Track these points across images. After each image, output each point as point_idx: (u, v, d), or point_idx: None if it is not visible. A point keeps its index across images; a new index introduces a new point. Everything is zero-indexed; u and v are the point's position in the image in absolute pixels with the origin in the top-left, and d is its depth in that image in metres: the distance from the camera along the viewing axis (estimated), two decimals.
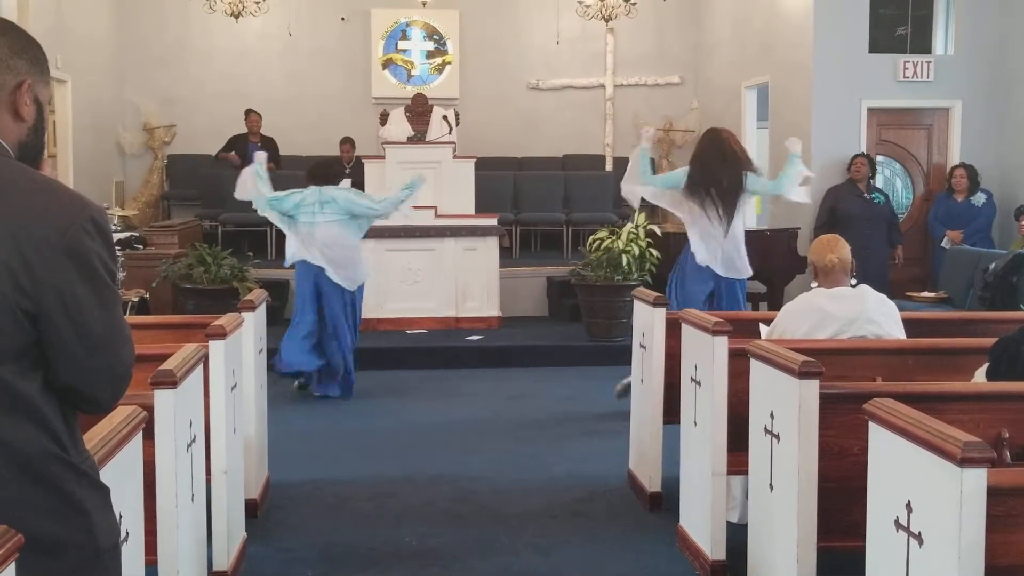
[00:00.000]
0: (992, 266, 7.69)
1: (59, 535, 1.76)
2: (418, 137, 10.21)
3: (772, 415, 3.51)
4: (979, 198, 9.43)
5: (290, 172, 11.91)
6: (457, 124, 10.64)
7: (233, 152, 11.31)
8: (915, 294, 8.63)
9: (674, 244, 9.04)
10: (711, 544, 4.06)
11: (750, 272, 6.47)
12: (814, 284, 4.35)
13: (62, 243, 1.73)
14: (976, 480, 2.29)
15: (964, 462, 2.28)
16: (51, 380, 1.78)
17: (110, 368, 1.82)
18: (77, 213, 1.76)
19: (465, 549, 4.44)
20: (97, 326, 1.78)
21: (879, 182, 9.92)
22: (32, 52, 1.88)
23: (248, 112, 11.71)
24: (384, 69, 13.27)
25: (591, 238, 8.92)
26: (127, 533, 2.46)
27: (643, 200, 6.63)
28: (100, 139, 12.07)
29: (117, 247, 8.12)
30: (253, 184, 7.19)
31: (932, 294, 8.57)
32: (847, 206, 9.27)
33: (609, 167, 13.16)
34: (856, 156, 9.51)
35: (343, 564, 4.26)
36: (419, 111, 10.57)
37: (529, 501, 5.05)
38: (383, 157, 9.77)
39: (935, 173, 10.10)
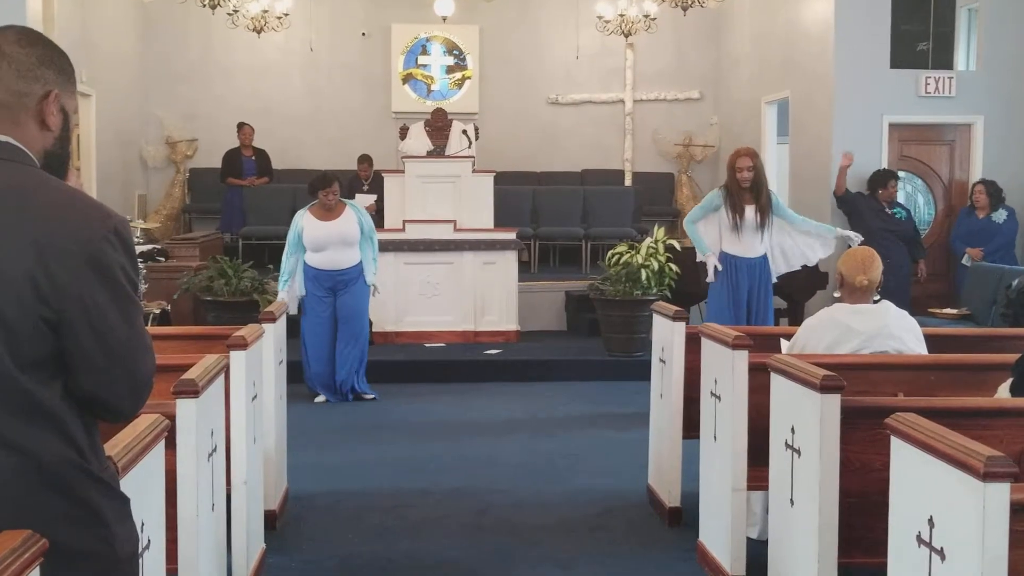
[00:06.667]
0: (1015, 283, 7.63)
1: (77, 544, 1.76)
2: (437, 151, 10.24)
3: (793, 430, 3.49)
4: (1000, 215, 9.33)
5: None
6: (476, 138, 10.67)
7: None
8: (937, 310, 8.56)
9: (692, 259, 9.02)
10: (731, 560, 4.04)
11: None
12: (836, 294, 4.32)
13: (85, 253, 1.74)
14: (999, 495, 2.27)
15: (987, 477, 2.26)
16: (72, 389, 1.78)
17: (131, 377, 1.82)
18: (100, 224, 1.77)
19: (483, 562, 4.43)
20: (118, 335, 1.78)
21: (901, 197, 9.85)
22: (59, 62, 1.90)
23: (241, 125, 11.76)
24: (404, 84, 13.34)
25: (610, 253, 8.90)
26: (148, 541, 2.47)
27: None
28: (123, 152, 12.17)
29: (139, 259, 8.22)
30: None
31: (954, 311, 8.49)
32: (867, 219, 9.19)
33: (628, 182, 13.16)
34: (891, 178, 9.33)
35: None
36: (439, 125, 10.61)
37: (548, 515, 5.04)
38: (403, 171, 9.81)
39: (957, 189, 10.03)
